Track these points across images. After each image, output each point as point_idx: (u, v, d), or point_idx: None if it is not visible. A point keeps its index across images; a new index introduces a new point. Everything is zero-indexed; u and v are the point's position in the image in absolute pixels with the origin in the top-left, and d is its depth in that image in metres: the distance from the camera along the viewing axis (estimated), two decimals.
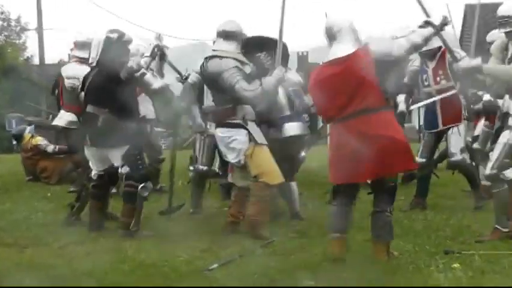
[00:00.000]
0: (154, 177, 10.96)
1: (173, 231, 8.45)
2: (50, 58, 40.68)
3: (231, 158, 8.31)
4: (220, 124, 8.33)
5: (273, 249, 7.51)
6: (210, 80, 8.31)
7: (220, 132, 8.30)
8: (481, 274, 6.24)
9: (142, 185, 8.35)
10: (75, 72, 9.68)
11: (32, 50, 49.89)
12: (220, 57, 8.23)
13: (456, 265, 6.50)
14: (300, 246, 7.60)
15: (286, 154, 8.86)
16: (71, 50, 10.83)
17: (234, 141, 8.20)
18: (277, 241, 7.85)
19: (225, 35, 8.35)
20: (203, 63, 8.42)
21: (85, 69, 9.42)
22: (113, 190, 9.55)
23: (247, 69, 8.25)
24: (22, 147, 13.75)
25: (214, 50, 8.39)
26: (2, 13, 53.24)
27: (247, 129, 8.17)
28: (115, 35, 8.54)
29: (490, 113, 10.06)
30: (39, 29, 35.84)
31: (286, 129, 9.16)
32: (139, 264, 7.00)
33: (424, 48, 8.56)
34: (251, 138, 8.17)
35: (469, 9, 31.03)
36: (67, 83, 9.86)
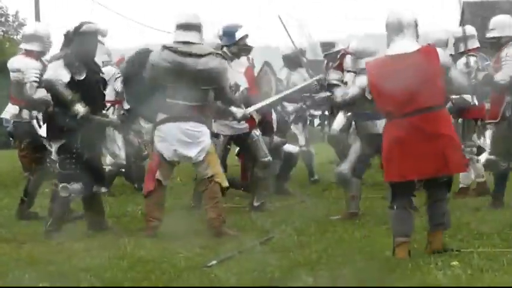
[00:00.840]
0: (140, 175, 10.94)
1: (172, 228, 8.44)
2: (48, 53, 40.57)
3: (193, 152, 8.12)
4: (188, 119, 8.14)
5: (272, 246, 7.51)
6: (192, 75, 8.04)
7: (190, 127, 8.12)
8: (479, 272, 6.22)
9: (62, 185, 8.14)
10: (19, 66, 9.50)
11: None
12: (216, 54, 8.18)
13: (455, 263, 6.48)
14: (299, 244, 7.59)
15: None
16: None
17: (203, 137, 8.13)
18: (276, 238, 7.85)
19: (186, 26, 8.19)
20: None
21: (29, 63, 9.35)
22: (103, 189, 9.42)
23: None
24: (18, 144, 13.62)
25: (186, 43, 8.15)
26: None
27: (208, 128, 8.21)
28: (70, 29, 8.40)
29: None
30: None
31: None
32: (138, 260, 6.99)
33: None
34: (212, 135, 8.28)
35: (467, 7, 31.09)
36: (12, 76, 9.68)
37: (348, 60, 10.57)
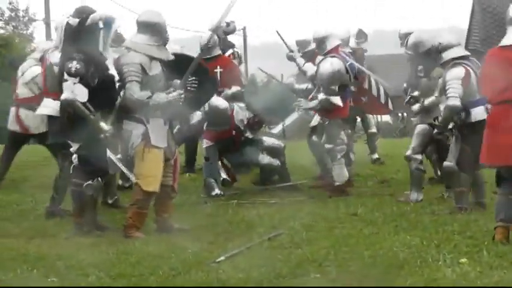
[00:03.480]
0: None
1: (181, 224, 8.44)
2: None
3: (127, 150, 8.13)
4: (125, 117, 8.10)
5: (280, 242, 7.50)
6: (118, 71, 8.07)
7: (124, 125, 8.10)
8: (489, 269, 6.21)
9: (86, 184, 8.08)
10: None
11: (39, 40, 49.95)
12: (129, 49, 8.12)
13: (464, 260, 6.47)
14: (307, 240, 7.58)
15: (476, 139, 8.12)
16: None
17: (130, 135, 8.04)
18: (284, 234, 7.83)
19: (141, 26, 8.17)
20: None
21: None
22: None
23: (156, 68, 8.07)
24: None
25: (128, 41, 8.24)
26: (10, 3, 53.30)
27: (145, 126, 8.01)
28: (74, 21, 8.23)
29: None
30: (47, 20, 35.82)
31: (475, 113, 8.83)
32: (146, 255, 7.00)
33: None
34: (145, 136, 7.99)
35: (477, 2, 30.90)
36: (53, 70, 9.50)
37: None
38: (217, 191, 10.78)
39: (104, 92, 8.03)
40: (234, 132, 11.13)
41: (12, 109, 11.05)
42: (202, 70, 8.51)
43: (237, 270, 6.42)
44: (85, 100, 7.92)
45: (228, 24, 12.79)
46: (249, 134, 11.16)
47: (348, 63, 10.69)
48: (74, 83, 7.90)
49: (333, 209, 9.27)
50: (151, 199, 8.14)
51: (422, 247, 7.00)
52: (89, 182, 8.03)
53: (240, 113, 11.24)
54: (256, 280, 6.13)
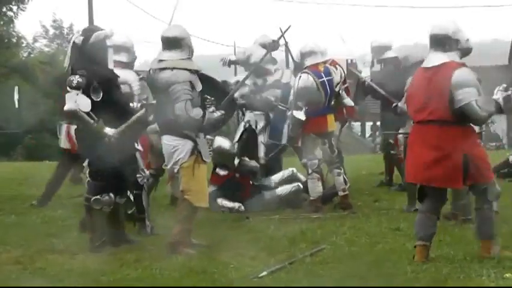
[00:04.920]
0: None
1: (223, 239, 8.47)
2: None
3: (169, 165, 8.17)
4: (169, 132, 8.11)
5: (322, 257, 7.49)
6: (160, 91, 8.07)
7: (166, 140, 8.13)
8: None
9: (94, 198, 8.11)
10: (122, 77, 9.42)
11: None
12: (171, 68, 8.04)
13: (508, 275, 6.42)
14: (349, 255, 7.57)
15: None
16: None
17: (176, 151, 8.03)
18: (327, 249, 7.83)
19: (168, 42, 8.16)
20: (149, 72, 8.27)
21: (129, 74, 9.42)
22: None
23: (199, 83, 8.06)
24: None
25: (160, 61, 8.15)
26: (54, 21, 53.91)
27: (195, 142, 8.03)
28: (79, 39, 8.33)
29: None
30: None
31: None
32: (189, 271, 7.03)
33: None
34: (196, 152, 8.02)
35: None
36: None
37: None
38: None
39: (112, 107, 8.07)
40: (238, 175, 11.13)
41: (64, 127, 11.20)
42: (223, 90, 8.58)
43: (279, 285, 6.44)
44: (88, 110, 7.98)
45: (273, 41, 12.90)
46: (255, 180, 11.25)
47: (321, 80, 10.76)
48: (77, 94, 7.99)
49: (376, 224, 9.24)
50: (196, 214, 8.18)
51: (465, 262, 6.96)
52: (97, 196, 8.07)
53: (223, 141, 11.29)
54: None
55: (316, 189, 10.79)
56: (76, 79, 8.02)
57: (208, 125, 8.05)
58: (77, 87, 8.00)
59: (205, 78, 8.26)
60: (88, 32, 8.38)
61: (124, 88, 9.21)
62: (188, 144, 7.98)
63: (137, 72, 10.03)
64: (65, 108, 8.05)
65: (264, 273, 6.78)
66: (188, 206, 8.01)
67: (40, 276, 6.94)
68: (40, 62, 42.83)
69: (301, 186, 11.20)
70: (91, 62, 8.15)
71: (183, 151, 7.97)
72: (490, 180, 7.16)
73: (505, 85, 7.28)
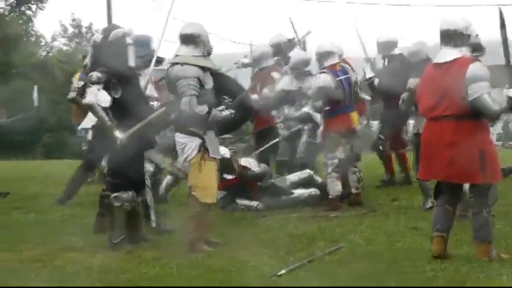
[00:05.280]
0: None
1: (241, 237, 8.48)
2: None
3: (181, 162, 8.26)
4: (179, 129, 8.20)
5: (340, 256, 7.48)
6: (172, 86, 8.16)
7: (177, 137, 8.20)
8: None
9: (113, 195, 8.17)
10: None
11: None
12: (178, 63, 8.13)
13: None
14: (368, 253, 7.56)
15: None
16: None
17: (185, 147, 8.07)
18: (345, 247, 7.82)
19: (184, 38, 8.24)
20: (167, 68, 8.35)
21: None
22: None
23: (210, 81, 8.12)
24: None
25: (175, 56, 8.28)
26: (73, 20, 54.19)
27: (202, 139, 8.05)
28: (99, 37, 8.44)
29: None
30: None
31: None
32: (207, 269, 7.05)
33: None
34: (203, 149, 8.04)
35: None
36: None
37: None
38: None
39: (130, 104, 8.13)
40: (239, 180, 11.08)
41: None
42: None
43: (298, 284, 6.44)
44: (107, 105, 8.04)
45: (289, 40, 12.96)
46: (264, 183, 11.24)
47: (338, 79, 10.84)
48: (98, 89, 8.07)
49: (394, 223, 9.21)
50: (209, 210, 8.21)
51: (485, 261, 6.93)
52: (117, 193, 8.13)
53: (248, 162, 11.27)
54: None
55: (335, 188, 10.81)
56: (95, 74, 8.11)
57: (214, 122, 8.01)
58: (97, 82, 8.08)
59: (221, 79, 8.30)
60: (108, 31, 8.46)
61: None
62: (196, 141, 8.01)
63: None
64: (84, 101, 8.17)
65: (283, 271, 6.77)
66: (197, 202, 8.04)
67: (59, 274, 6.96)
68: (59, 61, 43.06)
69: (318, 191, 11.19)
70: (110, 60, 8.19)
71: (191, 148, 8.02)
72: (496, 181, 7.15)
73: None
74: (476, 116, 6.99)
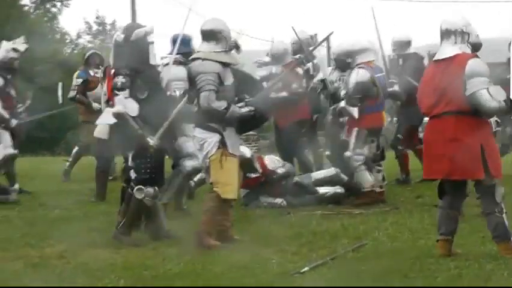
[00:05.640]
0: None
1: (265, 234, 8.49)
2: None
3: (201, 158, 8.26)
4: (198, 125, 8.20)
5: (364, 253, 7.47)
6: (192, 81, 8.18)
7: (197, 133, 8.20)
8: None
9: (137, 187, 8.22)
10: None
11: None
12: (200, 58, 8.16)
13: None
14: (391, 251, 7.54)
15: None
16: None
17: (205, 144, 8.08)
18: (369, 245, 7.81)
19: (206, 34, 8.27)
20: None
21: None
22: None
23: (229, 77, 8.14)
24: None
25: (197, 52, 8.37)
26: (97, 17, 54.43)
27: (221, 135, 8.05)
28: (120, 37, 8.44)
29: None
30: None
31: None
32: (231, 266, 7.04)
33: None
34: (222, 145, 8.04)
35: None
36: None
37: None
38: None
39: (155, 103, 8.21)
40: (263, 179, 11.05)
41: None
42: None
43: (321, 281, 6.43)
44: (135, 115, 8.11)
45: (311, 37, 12.96)
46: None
47: (376, 75, 10.87)
48: (126, 97, 8.12)
49: (418, 220, 9.19)
50: (227, 206, 8.21)
51: (510, 259, 6.88)
52: (141, 186, 8.17)
53: (272, 161, 11.29)
54: None
55: (368, 179, 10.85)
56: (119, 80, 8.14)
57: (232, 118, 8.01)
58: (122, 89, 8.12)
59: (242, 76, 8.32)
60: (128, 30, 8.46)
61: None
62: (215, 137, 8.03)
63: None
64: (114, 110, 8.17)
65: (306, 268, 6.76)
66: (216, 197, 8.05)
67: (83, 270, 6.98)
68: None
69: (343, 190, 11.17)
70: (133, 60, 8.23)
71: (210, 144, 8.03)
72: (499, 177, 7.10)
73: None
74: (476, 112, 6.96)
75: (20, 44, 12.16)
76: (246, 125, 8.34)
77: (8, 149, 11.95)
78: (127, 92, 8.13)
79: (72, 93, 13.47)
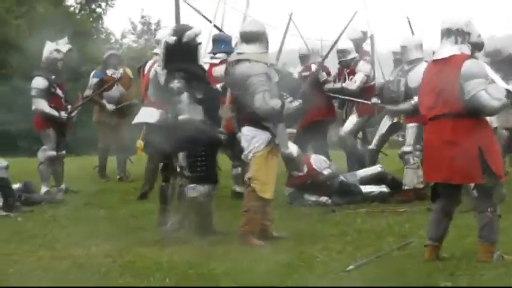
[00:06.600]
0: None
1: (310, 232, 8.49)
2: None
3: (245, 152, 8.24)
4: (247, 123, 8.22)
5: (409, 251, 7.44)
6: (236, 84, 8.23)
7: (244, 131, 8.21)
8: None
9: (191, 186, 8.34)
10: None
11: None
12: (249, 60, 8.18)
13: None
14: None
15: None
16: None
17: (253, 140, 8.11)
18: (414, 243, 7.76)
19: (248, 36, 8.30)
20: (227, 65, 8.45)
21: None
22: None
23: (275, 75, 8.20)
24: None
25: (239, 53, 8.35)
26: (142, 17, 54.67)
27: (272, 134, 8.09)
28: (172, 39, 8.51)
29: None
30: None
31: None
32: (276, 264, 7.05)
33: None
34: (271, 142, 8.10)
35: None
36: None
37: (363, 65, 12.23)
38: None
39: (208, 102, 8.41)
40: (310, 179, 11.03)
41: None
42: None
43: (367, 279, 6.42)
44: (201, 118, 8.30)
45: (363, 33, 13.01)
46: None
47: None
48: (188, 103, 8.29)
49: (464, 217, 9.10)
50: (266, 205, 8.25)
51: None
52: (194, 184, 8.28)
53: (318, 161, 11.31)
54: None
55: (414, 180, 10.90)
56: (175, 85, 8.33)
57: (288, 114, 8.11)
58: (179, 93, 8.30)
59: (281, 74, 8.38)
60: (179, 32, 8.57)
61: None
62: (265, 135, 8.08)
63: None
64: (181, 118, 8.33)
65: (351, 267, 6.76)
66: (255, 196, 8.10)
67: (129, 269, 7.04)
68: (130, 58, 43.44)
69: (388, 189, 11.13)
70: (186, 62, 8.38)
71: (259, 141, 8.08)
72: (499, 179, 6.99)
73: None
74: (474, 113, 6.85)
75: (63, 45, 12.30)
76: (291, 118, 8.43)
77: (50, 152, 12.12)
78: (185, 95, 8.30)
79: (88, 92, 13.65)
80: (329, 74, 12.45)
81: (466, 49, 7.01)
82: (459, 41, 7.00)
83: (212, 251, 7.75)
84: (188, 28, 8.64)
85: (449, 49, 7.00)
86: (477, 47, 7.19)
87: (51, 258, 7.61)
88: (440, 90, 6.93)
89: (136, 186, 12.30)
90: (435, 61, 7.15)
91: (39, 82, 12.09)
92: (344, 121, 12.77)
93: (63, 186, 12.50)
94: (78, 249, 8.03)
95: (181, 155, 8.39)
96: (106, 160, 14.45)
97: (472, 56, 7.07)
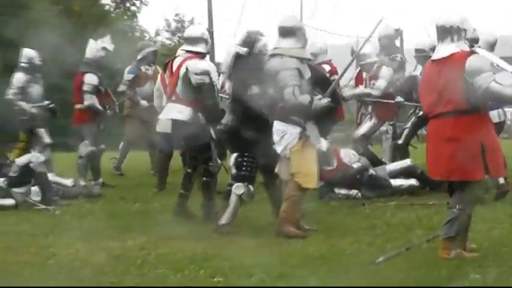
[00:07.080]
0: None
1: (340, 225, 8.57)
2: (222, 57, 41.40)
3: (279, 149, 8.32)
4: (278, 118, 8.33)
5: (438, 244, 7.43)
6: (270, 76, 8.32)
7: (277, 125, 8.32)
8: None
9: (237, 184, 8.51)
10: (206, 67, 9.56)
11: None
12: (281, 55, 8.29)
13: None
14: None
15: None
16: None
17: (286, 135, 8.22)
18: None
19: (285, 31, 8.39)
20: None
21: (210, 65, 9.57)
22: None
23: (307, 71, 8.29)
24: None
25: (275, 48, 8.45)
26: (176, 15, 54.78)
27: (303, 127, 8.19)
28: (243, 50, 8.63)
29: None
30: (210, 29, 36.56)
31: None
32: (307, 256, 7.17)
33: None
34: (303, 136, 8.20)
35: None
36: (197, 78, 9.71)
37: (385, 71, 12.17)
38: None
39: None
40: (340, 173, 11.10)
41: None
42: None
43: (396, 271, 6.50)
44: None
45: (395, 30, 13.03)
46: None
47: None
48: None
49: (492, 209, 9.16)
50: (305, 195, 8.39)
51: None
52: (241, 183, 8.45)
53: (348, 155, 11.46)
54: (416, 281, 6.20)
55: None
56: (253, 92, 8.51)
57: (315, 111, 8.17)
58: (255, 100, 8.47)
59: (312, 71, 8.46)
60: (249, 43, 8.69)
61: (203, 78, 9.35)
62: (297, 130, 8.20)
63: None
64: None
65: (381, 259, 6.84)
66: (297, 187, 8.22)
67: (164, 261, 7.16)
68: (162, 55, 43.59)
69: (418, 183, 11.20)
70: (259, 72, 8.49)
71: (291, 135, 8.20)
72: (499, 176, 6.97)
73: None
74: (476, 110, 6.86)
75: (108, 43, 12.53)
76: (322, 117, 8.49)
77: (90, 147, 12.36)
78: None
79: (122, 87, 13.81)
80: (334, 71, 12.50)
81: (464, 46, 7.02)
82: (456, 39, 6.99)
83: (244, 243, 7.87)
84: (258, 38, 8.74)
85: (447, 48, 6.99)
86: (473, 41, 7.19)
87: (88, 250, 7.73)
88: (442, 89, 6.92)
89: (169, 181, 12.42)
90: (434, 61, 7.14)
91: (92, 79, 12.37)
92: (357, 124, 12.86)
93: (100, 180, 12.72)
94: (114, 241, 8.16)
95: (234, 155, 8.65)
96: (126, 154, 14.65)
97: (471, 49, 7.10)
